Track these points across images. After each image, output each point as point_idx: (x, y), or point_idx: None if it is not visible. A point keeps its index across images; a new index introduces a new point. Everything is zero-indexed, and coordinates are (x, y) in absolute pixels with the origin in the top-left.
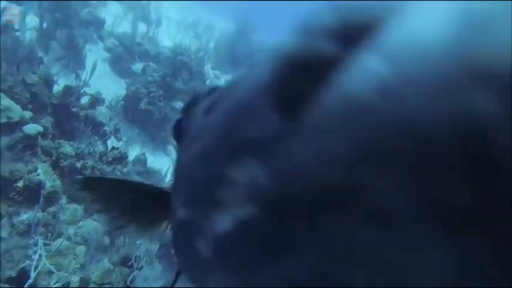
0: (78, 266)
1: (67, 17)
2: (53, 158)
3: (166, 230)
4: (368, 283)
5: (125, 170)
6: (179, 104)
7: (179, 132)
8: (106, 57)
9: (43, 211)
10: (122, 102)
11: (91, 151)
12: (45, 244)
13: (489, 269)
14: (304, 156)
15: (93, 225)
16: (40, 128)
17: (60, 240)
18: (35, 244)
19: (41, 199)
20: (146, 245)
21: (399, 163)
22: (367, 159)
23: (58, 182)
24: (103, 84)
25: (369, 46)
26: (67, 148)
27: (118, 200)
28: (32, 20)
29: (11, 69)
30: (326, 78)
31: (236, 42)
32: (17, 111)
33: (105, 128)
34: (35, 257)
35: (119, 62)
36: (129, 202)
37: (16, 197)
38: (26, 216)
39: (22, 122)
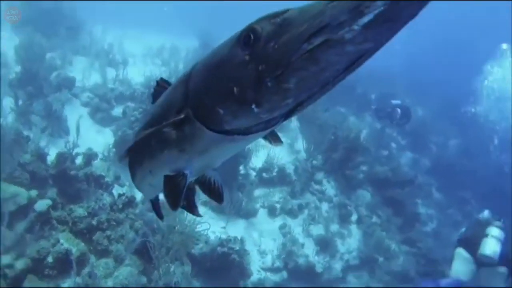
0: None
1: (38, 88)
2: (70, 224)
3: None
4: None
5: (137, 211)
6: None
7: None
8: (85, 112)
9: (78, 275)
10: (114, 149)
11: (101, 205)
12: None
13: None
14: None
15: (127, 270)
16: (49, 202)
17: None
18: None
19: (74, 265)
20: (179, 269)
21: None
22: None
23: (82, 244)
24: (91, 138)
25: None
26: (79, 211)
27: None
28: (8, 102)
29: (6, 157)
30: None
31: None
32: (24, 194)
33: (106, 179)
34: None
35: (99, 112)
36: None
37: (51, 272)
38: (66, 285)
39: (31, 202)
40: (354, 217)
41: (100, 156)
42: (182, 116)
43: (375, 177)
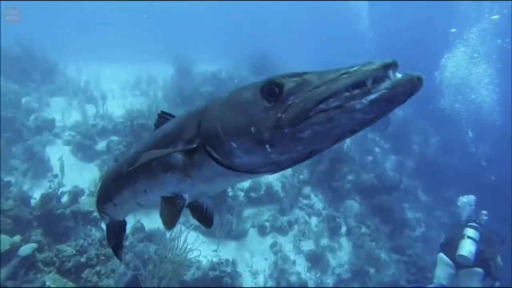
0: None
1: (17, 133)
2: (57, 264)
3: None
4: None
5: (128, 243)
6: None
7: None
8: (68, 150)
9: None
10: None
11: (90, 241)
12: None
13: None
14: None
15: None
16: (34, 245)
17: None
18: None
19: None
20: None
21: None
22: None
23: (70, 283)
24: (76, 176)
25: None
26: (67, 250)
27: None
28: None
29: None
30: None
31: (181, 81)
32: (6, 241)
33: (94, 214)
34: None
35: (82, 150)
36: None
37: None
38: None
39: (14, 247)
40: (343, 229)
41: (87, 192)
42: (194, 145)
43: (362, 185)
